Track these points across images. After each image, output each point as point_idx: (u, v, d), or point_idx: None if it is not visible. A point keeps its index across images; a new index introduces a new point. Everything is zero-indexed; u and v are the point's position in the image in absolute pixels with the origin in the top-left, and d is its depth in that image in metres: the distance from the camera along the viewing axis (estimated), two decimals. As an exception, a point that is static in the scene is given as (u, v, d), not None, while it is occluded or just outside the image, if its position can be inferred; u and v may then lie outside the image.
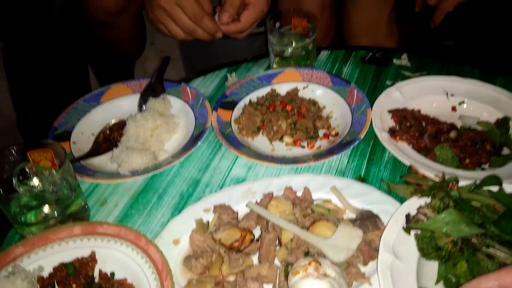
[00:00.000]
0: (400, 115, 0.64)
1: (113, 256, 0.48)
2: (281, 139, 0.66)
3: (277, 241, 0.48)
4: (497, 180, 0.47)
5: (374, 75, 0.79)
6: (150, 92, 0.71)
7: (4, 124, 1.37)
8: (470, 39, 1.01)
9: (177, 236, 0.51)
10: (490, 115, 0.66)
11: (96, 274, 0.48)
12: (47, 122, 0.74)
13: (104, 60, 1.04)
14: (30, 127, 0.91)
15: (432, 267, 0.45)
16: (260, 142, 0.66)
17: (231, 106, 0.70)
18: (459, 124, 0.65)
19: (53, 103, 0.86)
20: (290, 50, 0.77)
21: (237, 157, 0.63)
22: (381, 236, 0.46)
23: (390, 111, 0.66)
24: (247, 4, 0.77)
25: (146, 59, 1.16)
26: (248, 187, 0.55)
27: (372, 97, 0.71)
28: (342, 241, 0.46)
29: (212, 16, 0.74)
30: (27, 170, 0.54)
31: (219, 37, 0.76)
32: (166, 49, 1.40)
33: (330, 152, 0.61)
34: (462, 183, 0.51)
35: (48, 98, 0.86)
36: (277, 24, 0.79)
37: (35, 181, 0.53)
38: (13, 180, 0.53)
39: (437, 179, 0.52)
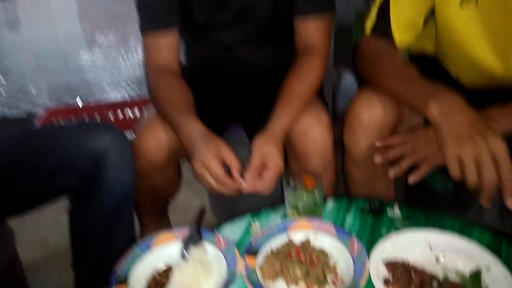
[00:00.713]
0: (393, 266, 0.80)
1: None
2: (296, 283, 0.82)
3: None
4: None
5: (372, 224, 0.96)
6: (191, 241, 0.88)
7: (47, 252, 1.54)
8: (458, 186, 1.20)
9: None
10: (466, 266, 0.81)
11: None
12: (99, 265, 0.91)
13: (144, 202, 1.24)
14: (84, 269, 1.07)
15: None
16: (279, 286, 0.81)
17: (255, 253, 0.87)
18: (441, 273, 0.80)
19: (104, 246, 1.03)
20: (302, 203, 0.96)
21: (261, 300, 0.78)
22: None
23: (384, 263, 0.82)
24: (267, 166, 0.98)
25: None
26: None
27: (370, 245, 0.87)
28: None
29: (232, 178, 0.95)
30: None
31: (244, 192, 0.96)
32: (193, 181, 1.61)
33: (336, 298, 0.76)
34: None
35: (101, 243, 1.04)
36: (291, 181, 0.98)
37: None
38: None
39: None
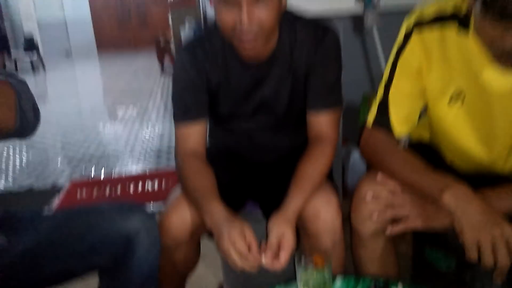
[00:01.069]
0: None
1: None
2: None
3: None
4: None
5: (378, 303, 1.03)
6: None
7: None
8: (460, 266, 1.26)
9: None
10: None
11: None
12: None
13: (165, 277, 1.32)
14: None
15: None
16: None
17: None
18: None
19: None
20: (312, 281, 1.05)
21: None
22: None
23: None
24: (281, 245, 1.08)
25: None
26: None
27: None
28: None
29: (253, 254, 1.04)
30: None
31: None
32: (207, 256, 1.69)
33: None
34: None
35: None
36: (302, 260, 1.07)
37: None
38: None
39: None
